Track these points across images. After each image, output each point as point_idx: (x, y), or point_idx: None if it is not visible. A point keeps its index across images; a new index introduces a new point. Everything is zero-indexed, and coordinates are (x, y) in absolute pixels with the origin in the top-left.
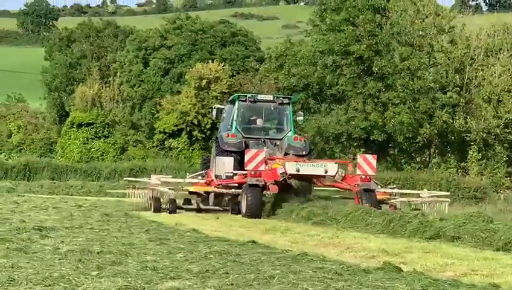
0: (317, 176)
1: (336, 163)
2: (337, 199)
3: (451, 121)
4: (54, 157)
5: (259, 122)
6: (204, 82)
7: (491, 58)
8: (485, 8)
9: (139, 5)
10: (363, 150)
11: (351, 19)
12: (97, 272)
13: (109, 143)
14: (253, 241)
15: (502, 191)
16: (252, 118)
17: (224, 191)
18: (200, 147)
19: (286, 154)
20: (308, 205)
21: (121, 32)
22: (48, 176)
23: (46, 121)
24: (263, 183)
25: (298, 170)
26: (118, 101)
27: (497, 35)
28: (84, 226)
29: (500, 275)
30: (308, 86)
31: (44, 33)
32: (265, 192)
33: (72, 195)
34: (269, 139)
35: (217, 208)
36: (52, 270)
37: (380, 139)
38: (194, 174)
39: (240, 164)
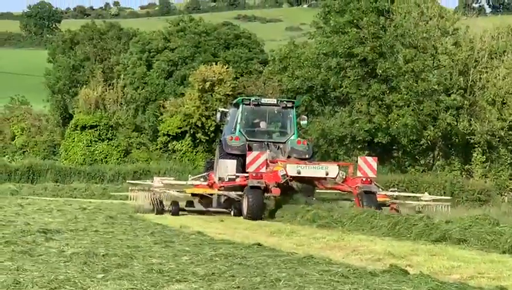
0: (318, 178)
1: (337, 165)
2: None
3: (456, 123)
4: (57, 160)
5: (263, 125)
6: (208, 84)
7: (495, 61)
8: (488, 10)
9: (142, 8)
10: (367, 152)
11: (355, 21)
12: (103, 275)
13: (113, 145)
14: (259, 244)
15: (506, 194)
16: (256, 121)
17: (222, 193)
18: (204, 149)
19: (289, 157)
20: (313, 207)
21: (124, 34)
22: (52, 178)
23: (49, 123)
24: (264, 185)
25: (299, 172)
26: (121, 104)
27: (501, 37)
28: (89, 229)
29: (507, 277)
30: (312, 88)
31: (48, 35)
32: (267, 194)
33: (75, 197)
34: (272, 142)
35: (219, 209)
36: (58, 273)
37: (384, 142)
38: (195, 176)
39: (242, 167)
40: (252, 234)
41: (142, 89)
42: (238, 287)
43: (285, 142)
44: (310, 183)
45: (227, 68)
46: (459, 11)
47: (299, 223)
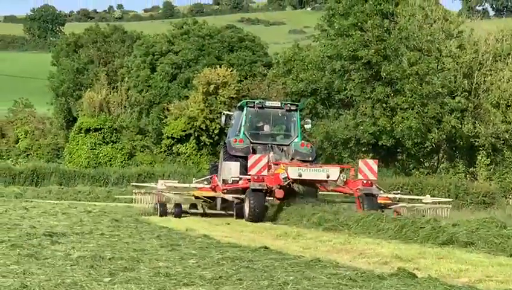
0: (319, 181)
1: (338, 168)
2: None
3: (460, 126)
4: (61, 163)
5: (267, 128)
6: (212, 87)
7: (500, 63)
8: (492, 13)
9: (145, 11)
10: (371, 155)
11: (359, 24)
12: (110, 279)
13: (117, 148)
14: (265, 247)
15: (510, 196)
16: (260, 124)
17: (219, 196)
18: (208, 152)
19: (293, 159)
20: (319, 210)
21: (128, 37)
22: (56, 181)
23: (53, 126)
24: (266, 188)
25: (300, 175)
26: (125, 107)
27: (505, 40)
28: (95, 232)
29: None
30: (316, 91)
31: (51, 38)
32: (270, 197)
33: (80, 200)
34: (276, 145)
35: (222, 212)
36: (65, 276)
37: (389, 144)
38: (199, 179)
39: (246, 169)
40: (258, 237)
41: (146, 92)
42: None
43: (288, 145)
44: (312, 185)
45: (231, 71)
46: (463, 14)
47: (305, 226)
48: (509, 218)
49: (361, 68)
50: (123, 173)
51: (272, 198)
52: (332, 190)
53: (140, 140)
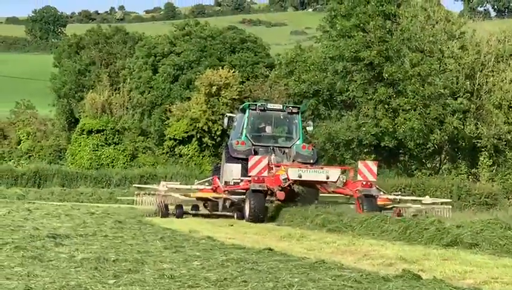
0: (319, 182)
1: (339, 169)
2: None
3: (462, 127)
4: (63, 164)
5: (269, 130)
6: (214, 88)
7: (502, 64)
8: (493, 14)
9: (147, 12)
10: (373, 156)
11: (361, 25)
12: (114, 281)
13: (119, 150)
14: (270, 249)
15: None
16: (262, 126)
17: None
18: (210, 153)
19: (294, 161)
20: (322, 211)
21: (130, 38)
22: (58, 183)
23: (55, 127)
24: (266, 189)
25: (300, 176)
26: (127, 108)
27: (507, 40)
28: (98, 234)
29: None
30: (319, 92)
31: (53, 40)
32: (271, 198)
33: (82, 202)
34: (278, 147)
35: (224, 213)
36: (69, 278)
37: (391, 146)
38: (201, 181)
39: (248, 171)
40: (262, 239)
41: (148, 93)
42: None
43: (290, 147)
44: (312, 187)
45: (233, 72)
46: (465, 15)
47: (308, 228)
48: (511, 219)
49: (363, 69)
50: (125, 175)
51: (274, 199)
52: (332, 191)
53: (143, 141)
